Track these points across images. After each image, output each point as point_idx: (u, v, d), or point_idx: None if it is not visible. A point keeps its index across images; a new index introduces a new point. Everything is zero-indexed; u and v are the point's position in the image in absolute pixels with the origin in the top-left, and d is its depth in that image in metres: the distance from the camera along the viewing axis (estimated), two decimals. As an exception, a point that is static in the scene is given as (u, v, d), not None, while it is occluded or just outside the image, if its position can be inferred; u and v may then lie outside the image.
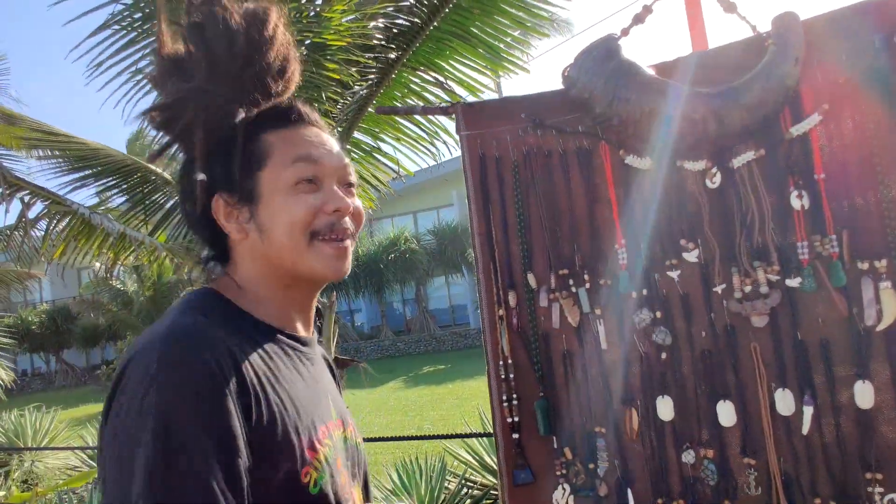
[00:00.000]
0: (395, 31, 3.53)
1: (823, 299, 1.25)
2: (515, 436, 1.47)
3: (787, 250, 1.27)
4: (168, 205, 4.60)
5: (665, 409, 1.37)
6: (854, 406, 1.22)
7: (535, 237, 1.48)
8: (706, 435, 1.35)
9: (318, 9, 3.26)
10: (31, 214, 4.14)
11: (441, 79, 3.67)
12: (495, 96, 3.84)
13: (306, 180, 0.93)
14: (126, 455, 0.75)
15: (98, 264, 4.66)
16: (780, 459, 1.28)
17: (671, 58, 1.39)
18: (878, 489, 1.21)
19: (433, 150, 3.99)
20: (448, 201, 20.84)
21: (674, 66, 1.37)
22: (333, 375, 1.15)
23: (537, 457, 1.47)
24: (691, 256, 1.35)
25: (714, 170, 1.32)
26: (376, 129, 4.02)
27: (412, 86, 3.79)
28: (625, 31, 1.38)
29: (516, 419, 1.47)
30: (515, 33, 3.59)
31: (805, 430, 1.25)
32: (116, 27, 3.14)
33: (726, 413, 1.32)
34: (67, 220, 4.14)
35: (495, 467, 1.96)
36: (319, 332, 1.14)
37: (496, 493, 3.91)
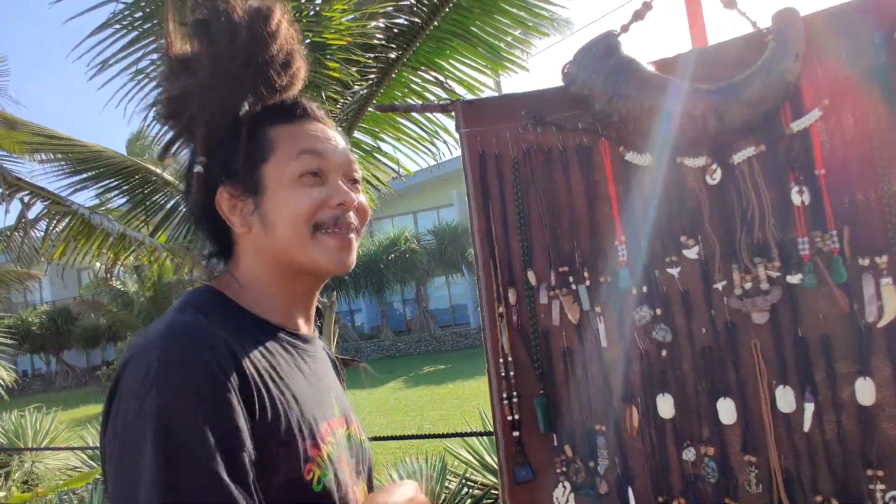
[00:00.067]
0: (395, 30, 3.53)
1: (824, 296, 1.25)
2: (516, 434, 1.46)
3: (788, 246, 1.27)
4: (168, 205, 4.61)
5: (665, 406, 1.37)
6: (855, 403, 1.22)
7: (534, 234, 1.48)
8: (707, 432, 1.34)
9: (317, 8, 3.26)
10: (31, 215, 4.14)
11: (441, 78, 3.67)
12: (495, 95, 3.83)
13: (311, 173, 0.93)
14: (128, 457, 0.75)
15: (98, 264, 4.66)
16: (781, 457, 1.28)
17: (671, 54, 1.39)
18: (880, 486, 1.20)
19: (433, 149, 3.99)
20: (448, 201, 20.84)
21: (674, 62, 1.37)
22: (337, 372, 1.15)
23: (537, 454, 1.46)
24: (691, 253, 1.35)
25: (714, 166, 1.32)
26: (376, 129, 4.02)
27: (413, 85, 3.79)
28: (624, 28, 1.38)
29: (516, 417, 1.46)
30: (516, 32, 3.59)
31: (806, 427, 1.25)
32: (117, 26, 3.14)
33: (727, 410, 1.32)
34: (67, 220, 4.14)
35: (496, 466, 1.96)
36: (320, 332, 1.13)
37: (497, 492, 3.91)
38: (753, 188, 1.29)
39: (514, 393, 1.46)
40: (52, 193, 4.16)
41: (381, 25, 3.47)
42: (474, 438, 4.47)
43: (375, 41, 3.44)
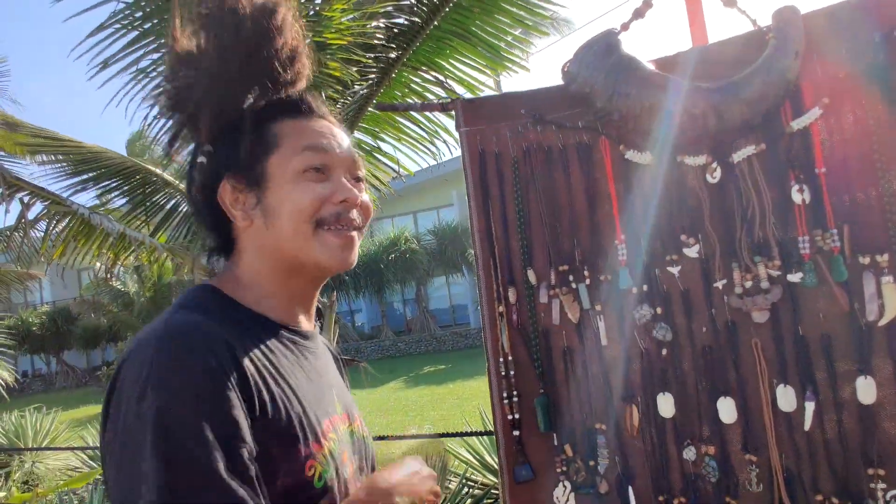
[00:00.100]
0: (395, 30, 3.52)
1: (825, 294, 1.24)
2: (516, 433, 1.46)
3: (788, 245, 1.27)
4: (169, 205, 4.61)
5: (666, 405, 1.36)
6: (856, 402, 1.22)
7: (534, 233, 1.48)
8: (707, 431, 1.34)
9: (317, 8, 3.26)
10: (31, 215, 4.14)
11: (441, 78, 3.67)
12: (495, 94, 3.83)
13: (314, 169, 0.93)
14: (129, 459, 0.74)
15: (98, 265, 4.66)
16: (782, 456, 1.27)
17: (671, 53, 1.39)
18: (881, 485, 1.20)
19: (433, 149, 3.98)
20: (448, 201, 20.84)
21: (674, 61, 1.37)
22: (340, 368, 1.15)
23: (538, 454, 1.46)
24: (692, 252, 1.35)
25: (714, 164, 1.32)
26: (377, 129, 4.01)
27: (413, 85, 3.79)
28: (625, 26, 1.38)
29: (517, 416, 1.46)
30: (516, 32, 3.59)
31: (807, 426, 1.25)
32: (117, 26, 3.14)
33: (727, 409, 1.31)
34: (67, 220, 4.14)
35: (496, 466, 1.96)
36: (320, 331, 1.13)
37: (497, 492, 3.91)
38: (754, 187, 1.29)
39: (515, 392, 1.46)
40: (52, 193, 4.16)
41: (381, 25, 3.47)
42: (475, 438, 4.47)
43: (375, 41, 3.44)
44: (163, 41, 3.16)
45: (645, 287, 1.38)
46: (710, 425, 1.34)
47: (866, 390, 1.20)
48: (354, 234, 0.96)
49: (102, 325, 21.48)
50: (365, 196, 0.99)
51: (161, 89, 0.97)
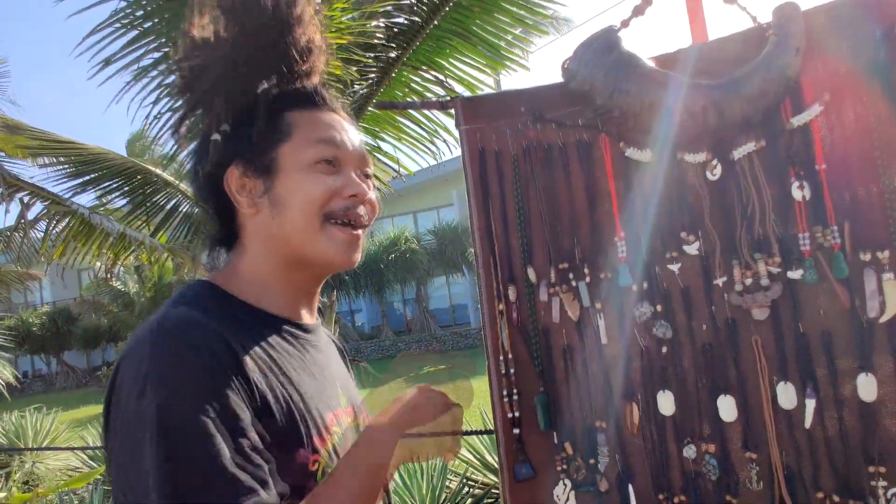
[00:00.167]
0: (395, 29, 3.53)
1: (825, 291, 1.24)
2: (516, 431, 1.46)
3: (789, 242, 1.27)
4: (169, 205, 4.62)
5: (666, 403, 1.36)
6: (857, 399, 1.21)
7: (534, 231, 1.47)
8: (707, 429, 1.34)
9: (317, 7, 3.26)
10: (31, 215, 4.14)
11: (441, 77, 3.67)
12: (495, 92, 3.83)
13: (326, 161, 0.92)
14: (130, 458, 0.74)
15: (98, 264, 4.66)
16: (783, 453, 1.27)
17: (671, 50, 1.38)
18: (882, 483, 1.20)
19: (433, 148, 3.98)
20: (448, 201, 20.85)
21: (674, 58, 1.37)
22: (345, 361, 1.14)
23: (538, 452, 1.46)
24: (692, 249, 1.35)
25: (714, 161, 1.31)
26: (377, 129, 4.02)
27: (413, 85, 3.79)
28: (625, 24, 1.38)
29: (517, 414, 1.46)
30: (516, 31, 3.59)
31: (807, 423, 1.25)
32: (118, 25, 3.14)
33: (727, 407, 1.31)
34: (67, 220, 4.14)
35: (496, 465, 1.96)
36: (321, 328, 1.12)
37: (497, 491, 3.90)
38: (754, 184, 1.29)
39: (515, 390, 1.46)
40: (52, 193, 4.16)
41: (381, 24, 3.47)
42: (475, 437, 4.47)
43: (375, 40, 3.44)
44: (163, 40, 3.16)
45: (645, 285, 1.38)
46: (711, 423, 1.33)
47: (867, 387, 1.20)
48: (360, 232, 0.96)
49: (103, 326, 21.49)
50: (373, 193, 0.99)
51: (175, 67, 0.95)
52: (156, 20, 3.16)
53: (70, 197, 4.23)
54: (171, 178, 4.51)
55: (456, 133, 1.55)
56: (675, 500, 1.36)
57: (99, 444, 6.37)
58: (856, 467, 1.22)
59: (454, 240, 19.21)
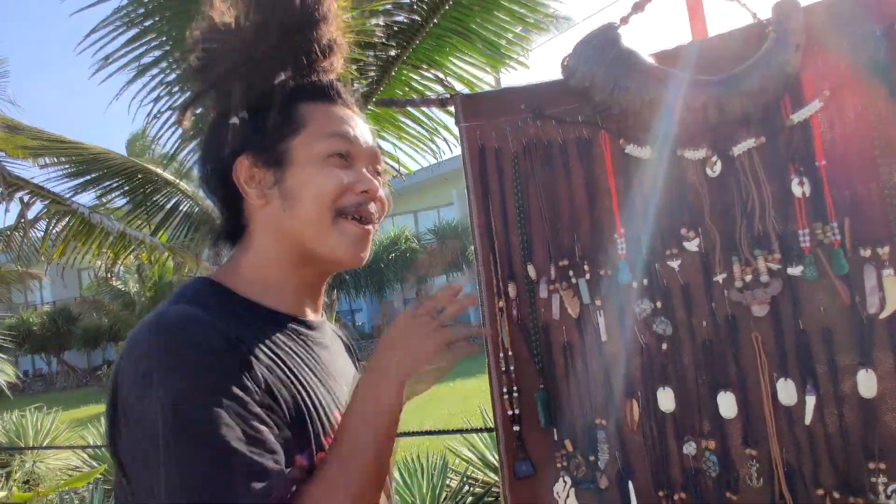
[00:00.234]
0: (395, 28, 3.52)
1: (825, 287, 1.24)
2: (516, 428, 1.46)
3: (789, 238, 1.27)
4: (169, 205, 4.62)
5: (666, 400, 1.36)
6: (857, 395, 1.21)
7: (534, 228, 1.47)
8: (707, 426, 1.34)
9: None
10: (31, 214, 4.14)
11: (441, 76, 3.67)
12: (494, 89, 3.83)
13: (339, 155, 0.91)
14: (140, 458, 0.74)
15: (98, 264, 4.66)
16: (783, 450, 1.27)
17: (671, 46, 1.38)
18: (882, 479, 1.20)
19: (434, 147, 3.98)
20: (448, 200, 20.85)
21: (674, 54, 1.36)
22: (352, 356, 1.13)
23: (538, 449, 1.46)
24: (692, 246, 1.34)
25: (714, 158, 1.31)
26: (377, 128, 4.01)
27: (413, 83, 3.79)
28: (624, 20, 1.37)
29: (517, 412, 1.46)
30: (516, 30, 3.58)
31: (807, 420, 1.25)
32: (118, 23, 3.15)
33: (727, 404, 1.31)
34: (67, 219, 4.14)
35: (496, 464, 1.96)
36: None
37: (498, 490, 3.90)
38: (754, 180, 1.29)
39: (515, 388, 1.46)
40: (52, 192, 4.16)
41: (381, 23, 3.47)
42: (475, 436, 4.48)
43: (375, 39, 3.43)
44: (164, 38, 3.16)
45: (645, 281, 1.38)
46: (711, 420, 1.33)
47: (867, 384, 1.20)
48: (370, 228, 0.96)
49: (103, 325, 21.50)
50: (384, 191, 0.98)
51: (192, 47, 0.94)
52: (157, 18, 3.15)
53: (70, 196, 4.23)
54: (171, 178, 4.50)
55: (456, 131, 1.55)
56: (676, 497, 1.36)
57: (100, 443, 6.37)
58: (856, 464, 1.22)
59: (454, 239, 19.19)
